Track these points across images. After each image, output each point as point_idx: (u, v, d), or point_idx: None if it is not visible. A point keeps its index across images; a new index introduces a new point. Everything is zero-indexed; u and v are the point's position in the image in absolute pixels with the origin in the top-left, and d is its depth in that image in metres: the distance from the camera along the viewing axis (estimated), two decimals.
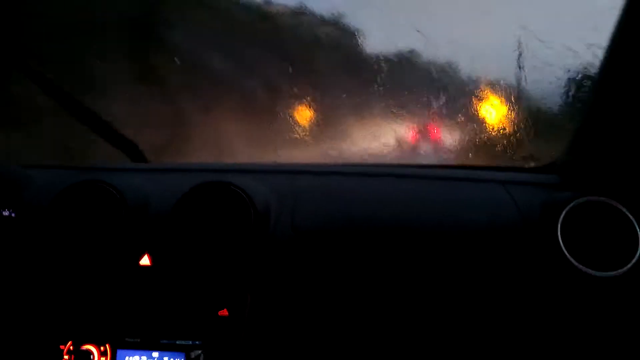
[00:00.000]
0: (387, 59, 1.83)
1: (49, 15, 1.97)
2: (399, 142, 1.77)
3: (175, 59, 2.03)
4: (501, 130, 1.77)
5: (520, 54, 1.73)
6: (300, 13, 2.08)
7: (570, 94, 1.58)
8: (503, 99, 1.75)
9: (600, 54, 1.14)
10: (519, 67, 1.74)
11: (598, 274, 1.13)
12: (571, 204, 1.19)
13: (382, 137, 1.76)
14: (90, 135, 1.58)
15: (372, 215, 1.30)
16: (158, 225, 1.25)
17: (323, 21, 2.09)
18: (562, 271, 1.16)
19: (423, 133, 1.85)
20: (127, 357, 1.14)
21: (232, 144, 2.00)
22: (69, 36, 1.97)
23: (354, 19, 1.99)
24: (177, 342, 1.14)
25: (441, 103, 1.80)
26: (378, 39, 1.89)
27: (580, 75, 1.55)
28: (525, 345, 1.23)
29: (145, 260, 1.23)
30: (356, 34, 1.92)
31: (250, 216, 1.21)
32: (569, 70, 1.59)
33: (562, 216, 1.18)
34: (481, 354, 1.25)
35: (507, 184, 1.38)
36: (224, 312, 1.17)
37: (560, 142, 1.41)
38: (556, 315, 1.21)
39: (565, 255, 1.15)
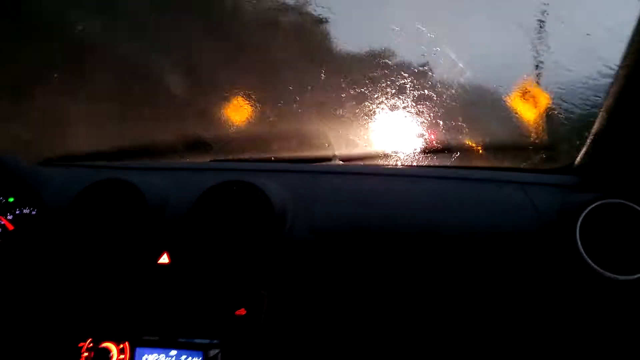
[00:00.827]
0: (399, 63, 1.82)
1: None
2: (416, 143, 1.76)
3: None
4: (519, 132, 1.75)
5: (538, 54, 1.71)
6: None
7: (589, 94, 1.56)
8: (521, 100, 1.74)
9: (620, 53, 1.12)
10: (537, 67, 1.72)
11: (617, 277, 1.12)
12: (590, 206, 1.18)
13: (398, 138, 1.76)
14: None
15: (390, 216, 1.30)
16: (177, 224, 1.27)
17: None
18: (581, 273, 1.15)
19: (441, 133, 1.84)
20: (145, 355, 1.14)
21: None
22: None
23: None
24: (195, 341, 1.14)
25: (459, 104, 1.79)
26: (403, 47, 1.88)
27: (599, 76, 1.52)
28: (543, 348, 1.22)
29: (163, 259, 1.24)
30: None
31: (267, 216, 1.22)
32: (588, 71, 1.56)
33: (580, 218, 1.17)
34: (498, 356, 1.25)
35: (525, 185, 1.37)
36: (242, 312, 1.17)
37: (579, 143, 1.39)
38: (575, 318, 1.20)
39: (584, 258, 1.14)
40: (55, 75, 1.86)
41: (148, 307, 1.21)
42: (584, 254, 1.14)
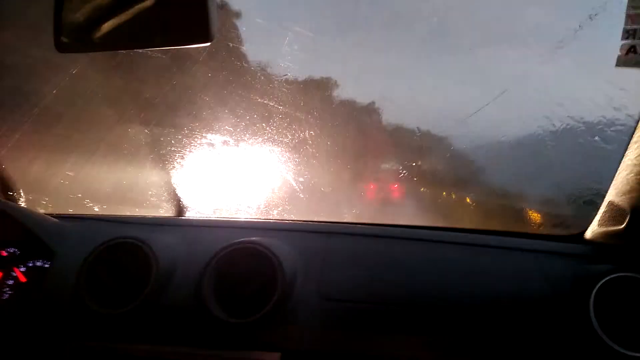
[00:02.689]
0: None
1: None
2: (429, 204, 1.76)
3: None
4: (529, 196, 1.76)
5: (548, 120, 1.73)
6: None
7: (602, 161, 1.57)
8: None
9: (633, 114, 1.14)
10: (550, 133, 1.73)
11: (630, 353, 1.10)
12: (604, 279, 1.17)
13: (411, 199, 1.77)
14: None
15: (400, 282, 1.29)
16: (187, 285, 1.27)
17: None
18: (594, 348, 1.13)
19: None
20: None
21: None
22: None
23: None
24: None
25: (468, 164, 1.81)
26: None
27: (613, 142, 1.54)
28: None
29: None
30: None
31: (278, 281, 1.22)
32: (599, 137, 1.58)
33: (594, 292, 1.16)
34: None
35: (536, 253, 1.36)
36: None
37: (590, 211, 1.39)
38: None
39: (597, 333, 1.12)
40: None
41: None
42: (598, 329, 1.12)
